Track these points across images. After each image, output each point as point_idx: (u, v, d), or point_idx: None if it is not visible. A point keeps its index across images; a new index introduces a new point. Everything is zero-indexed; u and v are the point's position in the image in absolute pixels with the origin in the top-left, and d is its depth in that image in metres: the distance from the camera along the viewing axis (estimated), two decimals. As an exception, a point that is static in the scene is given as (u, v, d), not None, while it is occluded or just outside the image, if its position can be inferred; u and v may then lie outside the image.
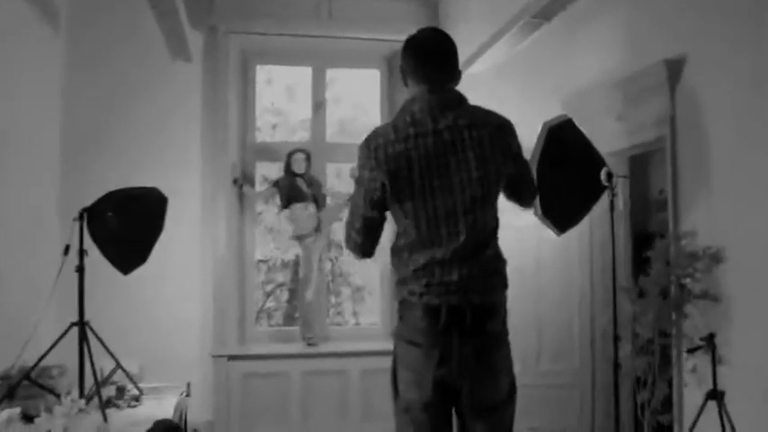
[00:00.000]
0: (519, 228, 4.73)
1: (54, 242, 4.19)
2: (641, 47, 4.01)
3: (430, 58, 2.08)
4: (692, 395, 3.38)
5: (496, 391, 2.03)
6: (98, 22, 4.56)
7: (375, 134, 2.06)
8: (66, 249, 2.92)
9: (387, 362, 4.62)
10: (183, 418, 3.17)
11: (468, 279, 1.98)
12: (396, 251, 2.09)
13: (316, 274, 4.95)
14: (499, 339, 2.05)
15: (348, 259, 6.67)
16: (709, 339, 2.96)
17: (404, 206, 2.00)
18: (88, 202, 3.05)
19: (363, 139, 2.07)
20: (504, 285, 2.08)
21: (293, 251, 7.92)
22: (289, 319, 7.99)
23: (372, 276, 8.05)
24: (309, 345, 4.80)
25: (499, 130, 2.06)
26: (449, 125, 2.00)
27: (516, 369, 4.83)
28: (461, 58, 4.68)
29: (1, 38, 3.52)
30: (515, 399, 2.10)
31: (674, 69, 3.64)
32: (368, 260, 2.23)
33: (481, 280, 2.00)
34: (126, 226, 2.98)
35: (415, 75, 2.09)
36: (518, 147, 2.12)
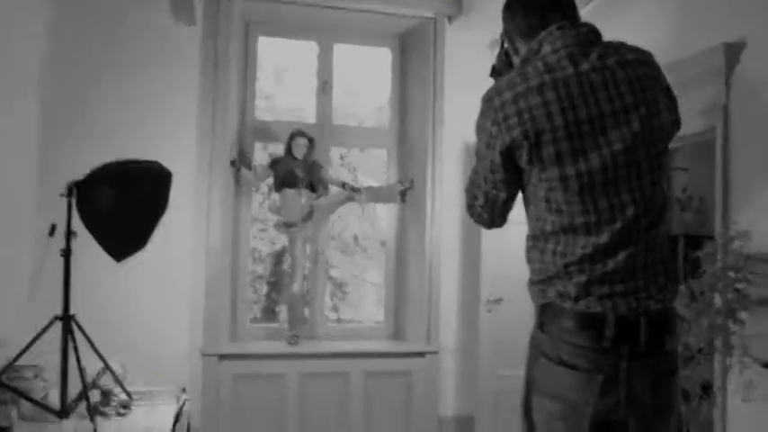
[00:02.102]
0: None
1: (30, 222, 3.76)
2: (695, 28, 3.73)
3: None
4: (746, 412, 3.11)
5: (668, 431, 1.57)
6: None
7: (497, 89, 1.60)
8: (52, 230, 2.50)
9: (394, 364, 4.46)
10: (185, 428, 2.76)
11: (641, 273, 1.52)
12: (535, 240, 1.63)
13: (302, 265, 4.60)
14: (675, 362, 1.60)
15: (331, 253, 6.30)
16: (788, 353, 2.66)
17: (546, 175, 1.53)
18: (67, 177, 2.64)
19: (482, 98, 1.63)
20: (678, 285, 1.62)
21: (279, 242, 7.60)
22: (267, 312, 7.63)
23: (348, 271, 7.82)
24: (290, 344, 4.44)
25: (655, 68, 1.60)
26: (594, 66, 1.53)
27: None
28: (489, 39, 4.44)
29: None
30: None
31: (733, 54, 3.36)
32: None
33: (658, 275, 1.54)
34: (123, 204, 2.57)
35: (530, 24, 1.65)
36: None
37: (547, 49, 1.58)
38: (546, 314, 1.58)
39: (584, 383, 1.49)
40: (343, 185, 4.75)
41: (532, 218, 1.64)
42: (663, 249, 1.56)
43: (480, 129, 1.63)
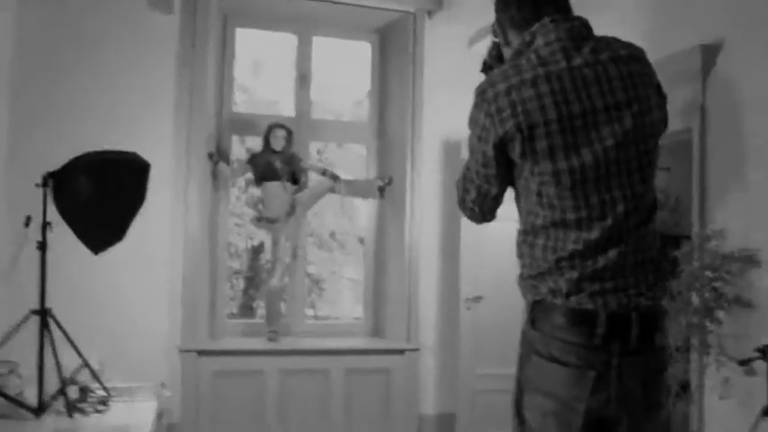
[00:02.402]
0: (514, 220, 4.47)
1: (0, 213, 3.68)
2: (672, 29, 3.77)
3: None
4: (723, 410, 3.16)
5: (660, 428, 1.57)
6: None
7: (490, 81, 1.57)
8: (27, 221, 2.44)
9: (374, 361, 4.45)
10: (165, 426, 2.72)
11: (631, 271, 1.52)
12: (526, 234, 1.61)
13: (284, 261, 4.56)
14: (665, 359, 1.59)
15: (308, 248, 6.28)
16: (766, 351, 2.71)
17: (538, 169, 1.52)
18: (39, 168, 2.57)
19: (475, 90, 1.60)
20: (668, 283, 1.66)
21: (257, 237, 7.54)
22: (245, 308, 7.57)
23: (326, 268, 7.80)
24: (270, 340, 4.42)
25: (647, 65, 1.59)
26: (587, 61, 1.52)
27: (512, 371, 4.52)
28: (469, 33, 4.44)
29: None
30: None
31: (709, 55, 3.41)
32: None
33: (647, 273, 1.54)
34: (101, 195, 2.52)
35: (524, 16, 1.63)
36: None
37: (540, 41, 1.57)
38: (537, 311, 1.57)
39: (575, 380, 1.49)
40: (324, 172, 4.74)
41: (523, 212, 1.62)
42: (652, 248, 1.56)
43: (473, 122, 1.61)
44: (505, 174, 1.61)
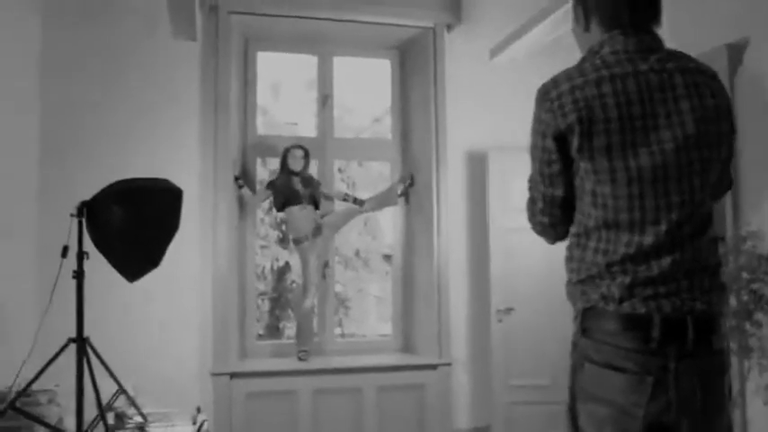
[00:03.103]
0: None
1: (32, 242, 3.74)
2: (697, 29, 3.74)
3: None
4: (767, 415, 3.09)
5: None
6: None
7: (554, 81, 1.59)
8: (65, 251, 2.47)
9: (406, 378, 4.42)
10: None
11: (687, 275, 1.50)
12: (578, 237, 1.60)
13: (315, 282, 4.57)
14: (724, 362, 1.55)
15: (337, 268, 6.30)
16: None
17: (595, 166, 1.52)
18: (69, 197, 2.60)
19: (538, 90, 1.61)
20: (726, 295, 1.59)
21: (282, 258, 7.57)
22: (271, 329, 7.58)
23: (351, 286, 7.79)
24: (301, 359, 4.41)
25: (716, 81, 1.59)
26: (653, 68, 1.53)
27: (545, 382, 4.37)
28: (488, 46, 4.45)
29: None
30: None
31: (735, 54, 3.37)
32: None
33: (704, 277, 1.51)
34: (134, 223, 2.54)
35: (603, 14, 1.62)
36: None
37: (606, 50, 1.58)
38: (589, 318, 1.55)
39: (633, 386, 1.47)
40: (345, 197, 4.75)
41: (577, 215, 1.62)
42: (708, 258, 1.53)
43: (535, 120, 1.62)
44: (568, 173, 1.59)
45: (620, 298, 1.49)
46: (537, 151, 1.62)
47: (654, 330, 1.46)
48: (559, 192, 1.61)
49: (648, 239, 1.49)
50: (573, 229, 1.62)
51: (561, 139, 1.55)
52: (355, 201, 4.72)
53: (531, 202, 1.70)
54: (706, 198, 1.54)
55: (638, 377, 1.46)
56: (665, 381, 1.46)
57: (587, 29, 1.67)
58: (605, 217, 1.52)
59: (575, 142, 1.52)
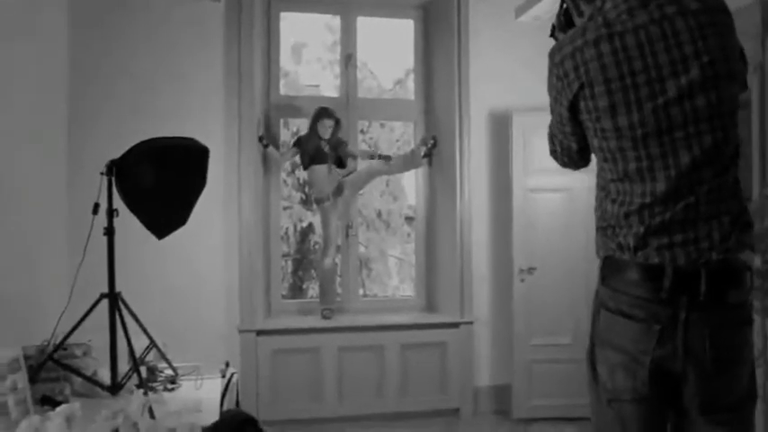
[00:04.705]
0: (571, 189, 4.42)
1: (62, 201, 3.80)
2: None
3: None
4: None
5: (734, 387, 1.54)
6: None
7: (559, 44, 1.63)
8: (95, 209, 2.50)
9: (429, 336, 4.47)
10: (236, 401, 2.78)
11: (703, 223, 1.49)
12: (600, 189, 1.66)
13: (335, 241, 4.60)
14: (743, 315, 1.55)
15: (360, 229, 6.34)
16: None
17: (600, 125, 1.56)
18: (96, 157, 2.63)
19: (548, 54, 1.66)
20: (751, 235, 1.55)
21: (305, 219, 7.62)
22: (294, 289, 7.67)
23: (375, 247, 7.84)
24: (325, 317, 4.47)
25: (722, 15, 1.54)
26: (653, 17, 1.51)
27: (566, 340, 4.36)
28: (513, 5, 4.36)
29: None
30: (756, 397, 1.60)
31: (769, 11, 3.27)
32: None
33: (722, 224, 1.50)
34: (162, 181, 2.55)
35: None
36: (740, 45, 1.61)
37: (608, 5, 1.58)
38: (607, 267, 1.60)
39: (641, 333, 1.51)
40: (372, 156, 4.76)
41: (598, 169, 1.68)
42: (729, 200, 1.52)
43: (549, 85, 1.67)
44: (582, 132, 1.66)
45: (635, 247, 1.53)
46: (553, 110, 1.70)
47: (665, 281, 1.49)
48: (575, 146, 1.70)
49: (661, 186, 1.50)
50: (597, 180, 1.68)
51: (573, 107, 1.61)
52: (380, 156, 4.72)
53: (551, 144, 1.80)
54: (724, 140, 1.51)
55: (647, 325, 1.51)
56: (672, 330, 1.49)
57: (580, 13, 1.71)
58: (617, 169, 1.57)
59: (582, 108, 1.58)
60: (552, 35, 1.87)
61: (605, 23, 1.54)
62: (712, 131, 1.49)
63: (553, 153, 1.83)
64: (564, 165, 1.83)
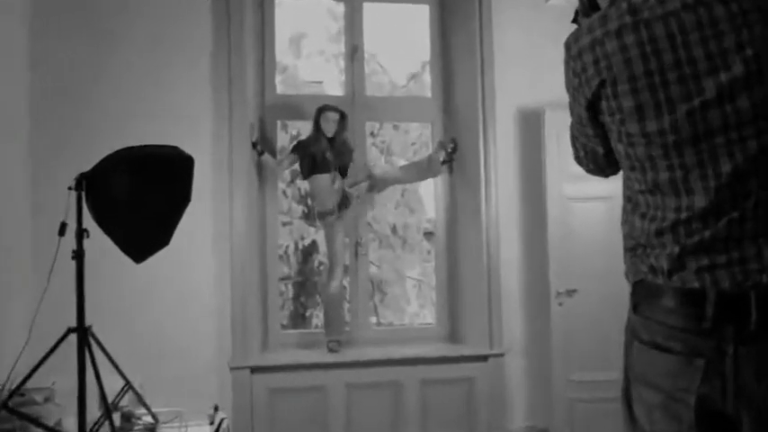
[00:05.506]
0: (615, 197, 4.34)
1: (26, 221, 3.77)
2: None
3: None
4: None
5: None
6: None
7: (576, 34, 1.60)
8: (62, 229, 2.46)
9: (453, 370, 4.40)
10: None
11: (751, 243, 1.43)
12: (627, 201, 1.62)
13: (343, 262, 4.56)
14: None
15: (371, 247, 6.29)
16: None
17: (626, 129, 1.52)
18: (64, 168, 2.59)
19: (564, 45, 1.64)
20: None
21: (308, 236, 7.59)
22: (296, 317, 7.63)
23: (388, 267, 7.78)
24: (331, 351, 4.42)
25: None
26: (686, 3, 1.45)
27: (613, 376, 4.32)
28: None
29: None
30: None
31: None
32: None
33: None
34: (141, 196, 2.52)
35: None
36: None
37: None
38: (639, 293, 1.56)
39: (680, 369, 1.45)
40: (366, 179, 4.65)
41: (624, 177, 1.65)
42: None
43: (566, 81, 1.66)
44: (605, 134, 1.63)
45: (670, 270, 1.47)
46: (572, 110, 1.69)
47: (708, 308, 1.42)
48: (600, 149, 1.68)
49: (700, 200, 1.45)
50: (624, 189, 1.64)
51: (592, 107, 1.58)
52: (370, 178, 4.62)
53: (575, 148, 1.79)
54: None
55: (686, 359, 1.44)
56: (719, 365, 1.42)
57: None
58: (645, 179, 1.52)
59: (603, 106, 1.55)
60: (575, 20, 1.84)
61: (630, 10, 1.49)
62: (758, 136, 1.43)
63: (577, 159, 1.81)
64: (590, 172, 1.81)
